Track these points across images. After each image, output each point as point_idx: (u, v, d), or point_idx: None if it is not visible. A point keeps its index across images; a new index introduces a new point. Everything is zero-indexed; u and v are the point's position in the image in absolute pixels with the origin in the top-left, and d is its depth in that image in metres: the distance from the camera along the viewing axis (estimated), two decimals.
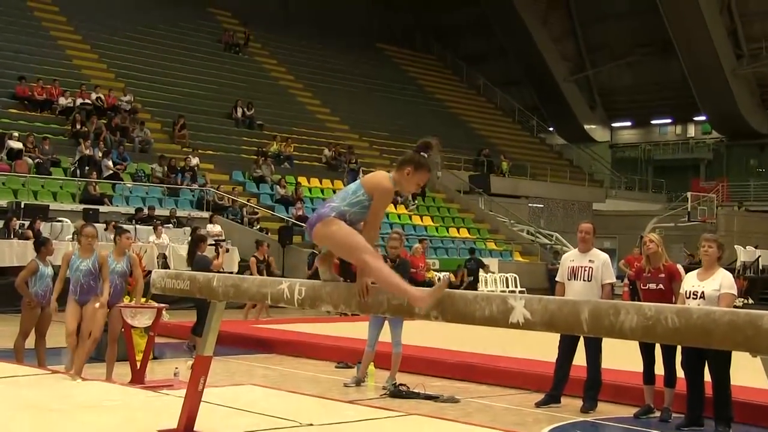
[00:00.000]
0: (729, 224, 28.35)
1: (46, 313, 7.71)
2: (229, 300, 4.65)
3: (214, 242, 14.61)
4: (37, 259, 7.75)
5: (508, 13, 36.45)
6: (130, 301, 8.47)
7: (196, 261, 9.41)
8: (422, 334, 10.01)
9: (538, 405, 7.22)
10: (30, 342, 7.92)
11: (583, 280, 7.11)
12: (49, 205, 16.77)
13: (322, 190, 23.28)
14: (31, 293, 7.63)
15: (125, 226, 16.21)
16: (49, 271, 7.71)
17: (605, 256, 7.26)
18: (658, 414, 6.84)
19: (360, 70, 32.40)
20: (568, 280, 7.21)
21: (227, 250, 15.20)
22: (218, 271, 9.78)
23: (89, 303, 7.18)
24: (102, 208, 17.40)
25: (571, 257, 7.37)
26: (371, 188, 3.82)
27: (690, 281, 6.45)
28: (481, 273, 19.77)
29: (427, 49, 38.41)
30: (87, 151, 19.09)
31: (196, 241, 9.88)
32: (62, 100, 21.29)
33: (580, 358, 7.22)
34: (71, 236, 14.74)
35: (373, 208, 3.82)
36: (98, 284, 7.21)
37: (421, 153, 3.81)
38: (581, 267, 7.15)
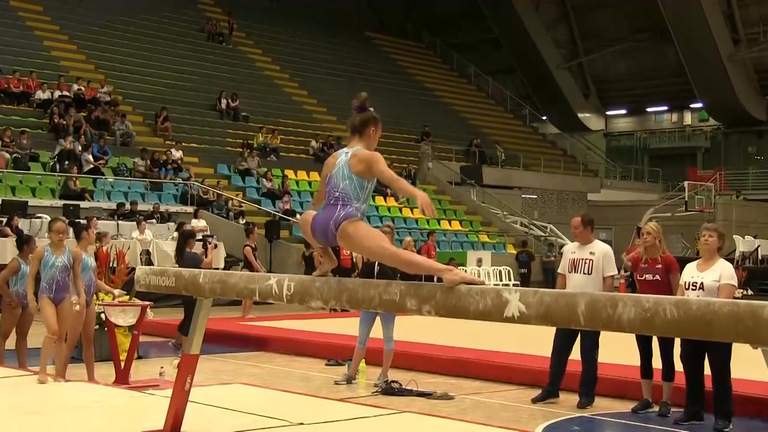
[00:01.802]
0: (727, 213, 28.48)
1: (27, 313, 7.68)
2: (216, 296, 4.64)
3: (201, 238, 14.56)
4: (20, 258, 7.71)
5: (499, 0, 36.44)
6: (112, 299, 8.45)
7: (186, 259, 9.33)
8: (415, 329, 10.03)
9: (535, 401, 7.25)
10: (10, 343, 7.89)
11: (584, 273, 7.10)
12: (27, 201, 16.68)
13: (309, 183, 23.25)
14: (11, 293, 7.59)
15: (105, 222, 16.28)
16: None
17: (607, 248, 7.23)
18: (656, 408, 6.87)
19: (348, 59, 32.34)
20: (569, 272, 7.20)
21: (215, 246, 15.15)
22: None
23: (64, 301, 7.15)
24: (83, 204, 17.32)
25: (572, 249, 7.37)
26: (368, 169, 3.96)
27: (689, 272, 6.46)
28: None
29: (416, 37, 38.36)
30: (67, 145, 19.00)
31: (186, 238, 9.79)
32: (40, 93, 21.17)
33: (576, 352, 7.24)
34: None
35: (383, 179, 3.99)
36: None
37: (369, 108, 4.03)
38: (582, 259, 7.14)
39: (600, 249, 7.17)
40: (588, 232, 7.26)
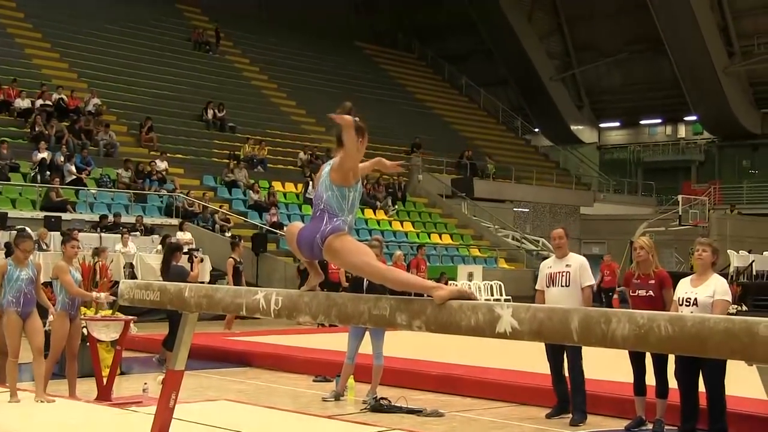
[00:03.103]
0: (721, 228, 28.61)
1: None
2: (202, 311, 4.64)
3: (186, 251, 14.52)
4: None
5: (491, 10, 36.63)
6: (95, 313, 8.42)
7: (172, 272, 9.30)
8: (404, 345, 10.02)
9: (549, 416, 7.34)
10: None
11: (562, 286, 7.28)
12: (7, 213, 16.61)
13: (297, 195, 23.24)
14: None
15: (88, 234, 16.23)
16: None
17: (582, 259, 7.46)
18: (650, 426, 6.88)
19: (337, 69, 32.40)
20: (547, 287, 7.37)
21: (201, 260, 15.11)
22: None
23: (33, 315, 7.13)
24: (65, 216, 17.26)
25: (548, 264, 7.55)
26: (342, 172, 3.92)
27: (683, 288, 6.49)
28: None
29: (407, 47, 38.50)
30: (43, 154, 18.90)
31: (172, 250, 9.78)
32: (20, 102, 21.10)
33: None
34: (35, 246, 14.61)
35: (347, 150, 3.91)
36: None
37: (355, 118, 3.96)
38: (559, 273, 7.32)
39: (576, 261, 7.37)
40: (567, 244, 7.51)
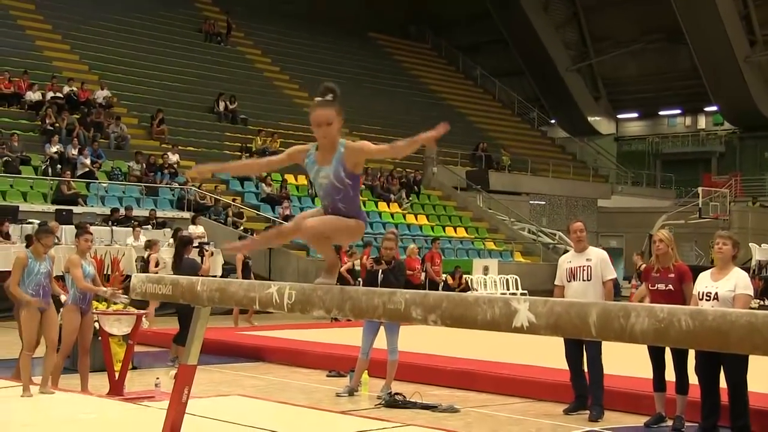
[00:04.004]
0: (743, 221, 28.45)
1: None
2: (215, 305, 4.65)
3: (198, 245, 14.59)
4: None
5: None
6: (107, 308, 8.46)
7: (185, 265, 9.34)
8: (419, 339, 10.02)
9: (567, 412, 7.34)
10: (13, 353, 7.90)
11: (583, 280, 7.32)
12: (18, 206, 16.72)
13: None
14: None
15: (100, 228, 16.30)
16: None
17: (603, 253, 7.52)
18: (670, 423, 6.87)
19: (350, 60, 32.39)
20: (568, 281, 7.39)
21: (212, 254, 15.18)
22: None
23: (48, 308, 7.18)
24: (76, 209, 17.34)
25: (568, 259, 7.57)
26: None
27: (703, 282, 6.46)
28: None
29: (421, 38, 38.41)
30: (56, 147, 18.98)
31: (184, 244, 9.84)
32: (31, 94, 21.20)
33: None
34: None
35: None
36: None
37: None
38: (580, 267, 7.35)
39: (596, 254, 7.42)
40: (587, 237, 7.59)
